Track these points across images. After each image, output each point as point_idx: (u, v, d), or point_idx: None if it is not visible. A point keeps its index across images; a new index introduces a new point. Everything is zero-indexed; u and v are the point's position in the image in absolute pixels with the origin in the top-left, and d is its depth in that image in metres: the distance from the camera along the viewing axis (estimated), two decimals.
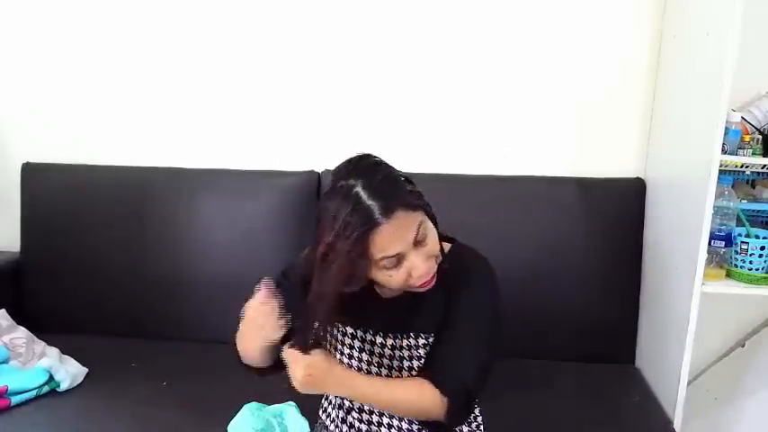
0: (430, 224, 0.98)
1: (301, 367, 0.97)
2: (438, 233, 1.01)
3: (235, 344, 1.10)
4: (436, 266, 0.99)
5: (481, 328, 1.03)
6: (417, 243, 0.94)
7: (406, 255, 0.94)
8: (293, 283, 1.11)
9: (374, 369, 1.08)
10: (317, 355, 0.98)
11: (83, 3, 1.91)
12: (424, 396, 0.99)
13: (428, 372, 1.03)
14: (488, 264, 1.07)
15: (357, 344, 1.08)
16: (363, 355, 1.08)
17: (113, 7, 1.91)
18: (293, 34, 1.86)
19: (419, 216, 0.95)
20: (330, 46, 1.85)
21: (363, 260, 0.91)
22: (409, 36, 1.82)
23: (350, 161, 0.97)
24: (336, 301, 0.94)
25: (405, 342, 1.06)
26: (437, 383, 1.00)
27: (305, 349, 0.98)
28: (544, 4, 1.77)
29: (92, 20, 1.92)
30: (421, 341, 1.05)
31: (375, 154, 0.99)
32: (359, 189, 0.91)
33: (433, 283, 0.99)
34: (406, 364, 1.07)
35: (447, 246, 1.08)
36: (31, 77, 1.98)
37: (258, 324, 0.99)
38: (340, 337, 1.10)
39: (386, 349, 1.07)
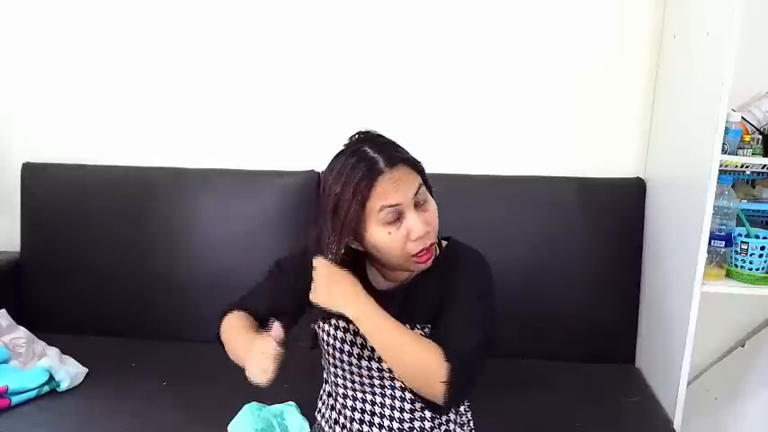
0: (430, 197, 1.03)
1: (327, 270, 1.01)
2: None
3: (219, 339, 1.18)
4: (434, 239, 1.02)
5: (476, 310, 1.03)
6: (417, 205, 0.99)
7: (406, 212, 0.98)
8: (286, 269, 1.18)
9: (365, 363, 1.07)
10: (344, 269, 1.01)
11: (83, 3, 1.91)
12: (431, 356, 0.95)
13: (435, 341, 0.99)
14: (480, 254, 1.10)
15: (349, 337, 1.07)
16: (354, 348, 1.07)
17: (113, 7, 1.91)
18: (293, 34, 1.86)
19: (419, 178, 1.01)
20: (330, 46, 1.85)
21: (366, 207, 0.95)
22: (409, 36, 1.82)
23: (356, 132, 1.06)
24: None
25: None
26: (444, 349, 0.96)
27: (337, 263, 1.01)
28: (544, 4, 1.77)
29: (92, 20, 1.92)
30: (417, 332, 1.05)
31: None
32: (365, 147, 0.99)
33: (430, 262, 1.02)
34: None
35: (443, 243, 1.11)
36: (31, 77, 1.98)
37: (257, 353, 0.98)
38: (332, 332, 1.09)
39: None
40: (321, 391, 1.22)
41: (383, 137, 1.05)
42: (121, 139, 1.98)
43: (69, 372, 1.55)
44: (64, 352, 1.66)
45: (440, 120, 1.84)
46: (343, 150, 1.03)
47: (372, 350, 1.06)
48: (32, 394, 1.48)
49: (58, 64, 1.96)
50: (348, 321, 1.05)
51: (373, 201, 0.96)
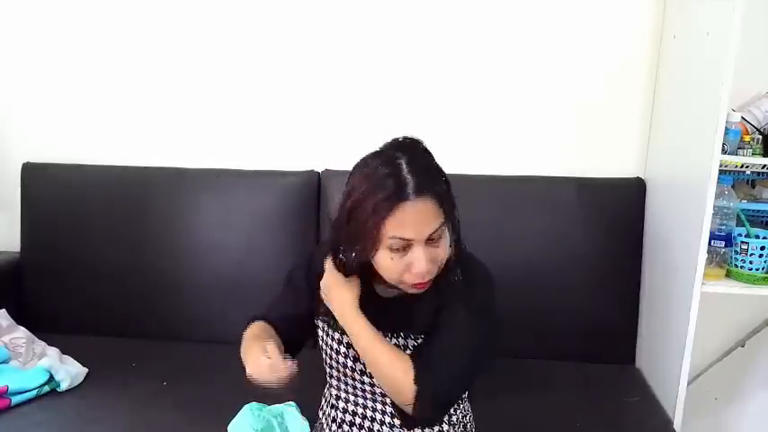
0: (447, 234, 0.98)
1: (332, 277, 1.04)
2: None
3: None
4: (435, 273, 0.98)
5: (467, 328, 1.01)
6: (430, 241, 0.94)
7: (414, 246, 0.94)
8: (296, 284, 1.18)
9: (359, 366, 1.08)
10: (348, 280, 1.03)
11: (83, 3, 1.91)
12: (403, 375, 0.98)
13: (414, 359, 1.01)
14: (486, 269, 1.07)
15: (346, 339, 1.08)
16: (350, 351, 1.07)
17: (114, 7, 1.91)
18: (293, 34, 1.86)
19: (442, 217, 0.95)
20: (330, 46, 1.85)
21: (381, 225, 0.92)
22: (409, 36, 1.82)
23: (405, 137, 1.00)
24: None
25: (394, 342, 1.06)
26: (416, 370, 0.98)
27: (344, 271, 1.03)
28: (544, 4, 1.77)
29: (92, 20, 1.92)
30: (411, 343, 1.05)
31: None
32: (402, 161, 0.94)
33: (426, 287, 0.99)
34: None
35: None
36: (31, 77, 1.98)
37: (268, 369, 0.98)
38: (331, 333, 1.10)
39: None
40: (325, 389, 1.22)
41: (426, 156, 0.99)
42: (121, 139, 1.98)
43: (69, 372, 1.55)
44: (64, 352, 1.66)
45: (440, 120, 1.84)
46: (380, 152, 0.98)
47: None
48: (32, 394, 1.48)
49: (58, 64, 1.96)
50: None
51: (388, 226, 0.92)
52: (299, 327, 1.16)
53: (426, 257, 0.94)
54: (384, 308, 1.05)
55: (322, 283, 1.07)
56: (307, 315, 1.15)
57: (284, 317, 1.17)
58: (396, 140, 1.00)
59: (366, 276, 1.05)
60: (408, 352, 1.04)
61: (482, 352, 1.03)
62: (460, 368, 1.01)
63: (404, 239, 0.93)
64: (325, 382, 1.19)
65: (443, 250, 0.97)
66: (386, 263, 0.96)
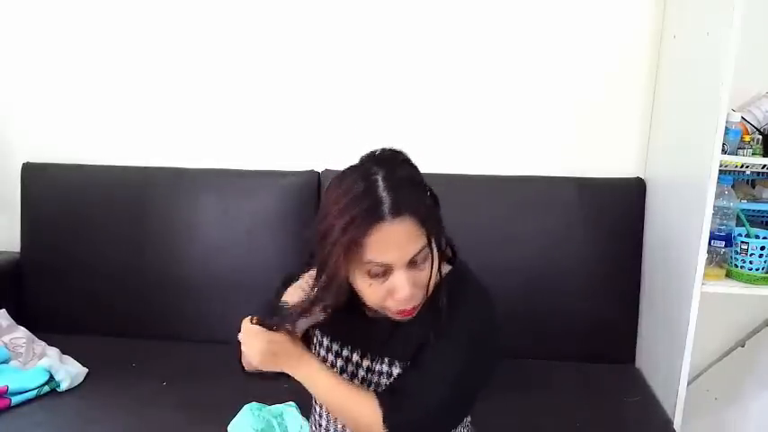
0: (434, 254, 0.87)
1: (262, 340, 0.91)
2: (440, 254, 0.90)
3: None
4: (421, 299, 0.89)
5: (453, 370, 0.91)
6: (412, 264, 0.85)
7: (394, 270, 0.84)
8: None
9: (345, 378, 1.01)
10: (279, 332, 0.92)
11: (83, 3, 1.91)
12: (372, 415, 0.90)
13: (385, 395, 0.93)
14: (483, 290, 0.96)
15: (330, 357, 1.02)
16: (338, 360, 1.02)
17: (114, 7, 1.91)
18: (293, 34, 1.86)
19: (425, 237, 0.85)
20: (330, 46, 1.85)
21: (353, 251, 0.82)
22: (408, 36, 1.82)
23: (384, 149, 0.91)
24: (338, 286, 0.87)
25: (379, 367, 0.98)
26: (385, 410, 0.90)
27: (269, 326, 0.92)
28: (544, 4, 1.77)
29: (92, 20, 1.92)
30: (395, 369, 0.96)
31: (410, 158, 0.92)
32: (378, 177, 0.84)
33: (414, 314, 0.89)
34: (379, 389, 0.97)
35: (446, 267, 0.94)
36: (31, 77, 1.98)
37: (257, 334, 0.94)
38: (317, 348, 1.05)
39: (360, 370, 1.00)
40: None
41: (407, 168, 0.89)
42: (121, 139, 1.98)
43: (69, 372, 1.55)
44: (64, 352, 1.66)
45: (440, 120, 1.84)
46: (356, 166, 0.88)
47: (353, 375, 1.00)
48: (32, 394, 1.48)
49: (58, 64, 1.96)
50: (334, 341, 1.02)
51: (361, 249, 0.82)
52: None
53: (409, 282, 0.84)
54: (372, 329, 0.95)
55: (250, 351, 0.92)
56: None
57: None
58: (373, 153, 0.90)
59: (350, 293, 0.93)
60: (389, 380, 0.97)
61: (471, 382, 0.93)
62: (438, 404, 0.91)
63: (382, 264, 0.84)
64: None
65: (428, 273, 0.87)
66: (365, 289, 0.87)
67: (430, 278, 0.87)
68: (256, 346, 0.91)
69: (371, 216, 0.82)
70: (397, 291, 0.85)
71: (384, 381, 0.98)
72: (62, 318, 1.87)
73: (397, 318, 0.90)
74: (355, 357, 1.00)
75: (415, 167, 0.91)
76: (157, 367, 1.65)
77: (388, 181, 0.84)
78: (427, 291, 0.89)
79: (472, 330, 0.93)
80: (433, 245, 0.86)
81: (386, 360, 0.97)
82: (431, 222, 0.86)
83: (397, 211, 0.82)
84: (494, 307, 0.96)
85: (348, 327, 0.98)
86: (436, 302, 0.91)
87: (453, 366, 0.91)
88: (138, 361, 1.69)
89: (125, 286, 1.86)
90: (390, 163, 0.88)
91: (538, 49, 1.79)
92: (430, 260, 0.86)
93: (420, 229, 0.84)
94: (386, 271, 0.84)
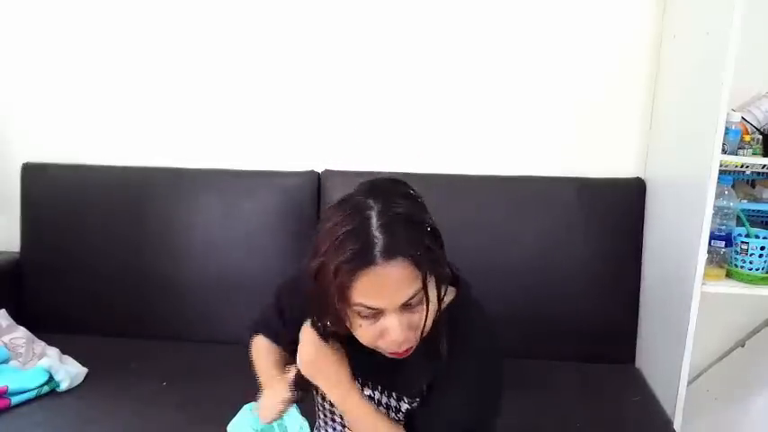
0: (432, 293, 0.82)
1: (313, 350, 0.92)
2: (444, 275, 0.87)
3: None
4: (415, 341, 0.85)
5: (463, 408, 0.90)
6: (406, 306, 0.81)
7: (387, 313, 0.81)
8: (283, 303, 1.09)
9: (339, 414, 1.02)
10: (332, 347, 0.92)
11: (83, 3, 1.91)
12: None
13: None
14: (488, 326, 0.93)
15: None
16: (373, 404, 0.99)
17: (114, 7, 1.91)
18: (293, 34, 1.86)
19: (420, 280, 0.80)
20: (330, 46, 1.85)
21: (344, 293, 0.79)
22: (409, 36, 1.82)
23: (384, 179, 0.86)
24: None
25: (386, 401, 0.96)
26: None
27: (325, 336, 0.92)
28: (544, 4, 1.77)
29: (92, 20, 1.92)
30: (403, 405, 0.94)
31: (413, 189, 0.87)
32: (372, 212, 0.79)
33: (408, 355, 0.86)
34: None
35: (450, 294, 0.89)
36: (31, 78, 1.98)
37: (272, 397, 1.00)
38: None
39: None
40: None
41: (406, 203, 0.82)
42: (121, 139, 1.98)
43: (69, 372, 1.55)
44: (64, 352, 1.66)
45: (440, 120, 1.84)
46: (348, 198, 0.83)
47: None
48: (32, 394, 1.48)
49: (58, 64, 1.96)
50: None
51: (351, 293, 0.79)
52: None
53: (402, 325, 0.81)
54: (379, 362, 0.90)
55: (300, 357, 0.94)
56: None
57: (278, 335, 1.12)
58: (370, 183, 0.85)
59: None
60: (397, 415, 0.96)
61: (485, 415, 0.93)
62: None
63: (371, 308, 0.80)
64: None
65: (422, 315, 0.82)
66: (356, 329, 0.84)
67: (426, 320, 0.83)
68: (310, 353, 0.93)
69: (361, 259, 0.77)
70: (389, 334, 0.82)
71: (393, 415, 0.96)
72: (62, 318, 1.87)
73: (391, 356, 0.87)
74: (366, 391, 0.98)
75: (414, 200, 0.85)
76: (157, 367, 1.65)
77: (383, 218, 0.79)
78: (423, 332, 0.85)
79: (481, 367, 0.91)
80: (431, 287, 0.82)
81: (393, 395, 0.95)
82: (428, 264, 0.80)
83: (389, 254, 0.77)
84: (498, 337, 0.93)
85: (355, 358, 0.96)
86: (439, 337, 0.87)
87: (470, 410, 0.90)
88: (138, 361, 1.68)
89: (125, 286, 1.86)
90: (388, 196, 0.82)
91: (538, 50, 1.79)
92: (425, 302, 0.82)
93: (415, 272, 0.79)
94: (377, 313, 0.81)
